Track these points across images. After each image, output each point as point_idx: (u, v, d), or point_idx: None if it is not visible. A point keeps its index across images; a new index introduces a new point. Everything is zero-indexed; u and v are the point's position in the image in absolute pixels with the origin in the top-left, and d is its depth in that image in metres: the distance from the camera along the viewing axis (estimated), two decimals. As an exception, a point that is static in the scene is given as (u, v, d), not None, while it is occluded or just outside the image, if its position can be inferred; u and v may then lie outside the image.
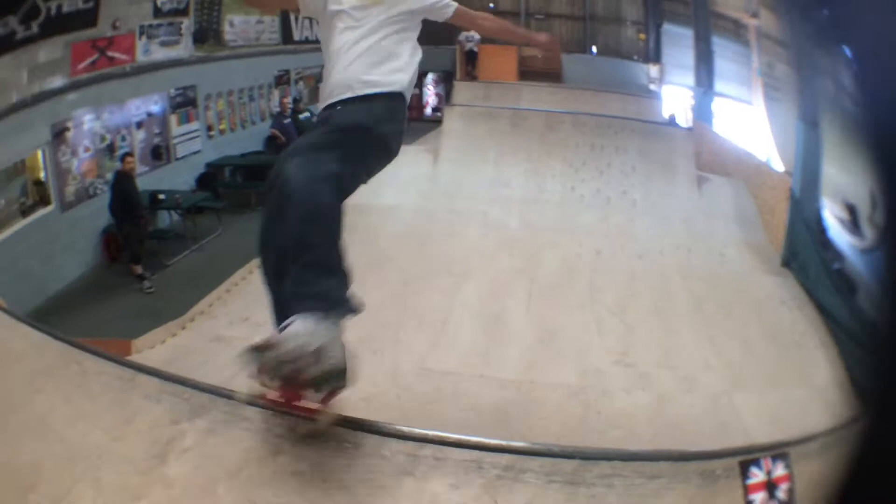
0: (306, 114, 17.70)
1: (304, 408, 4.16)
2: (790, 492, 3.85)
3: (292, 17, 20.23)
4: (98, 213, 12.89)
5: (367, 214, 12.40)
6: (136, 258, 12.58)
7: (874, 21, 2.15)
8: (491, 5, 25.99)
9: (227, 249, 13.31)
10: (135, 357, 7.88)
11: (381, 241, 11.57)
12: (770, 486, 3.86)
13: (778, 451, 4.00)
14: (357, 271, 9.52)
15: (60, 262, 12.37)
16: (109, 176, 13.15)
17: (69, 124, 12.83)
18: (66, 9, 12.44)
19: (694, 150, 14.44)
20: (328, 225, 3.81)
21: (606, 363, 8.20)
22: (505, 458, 4.07)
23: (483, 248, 11.01)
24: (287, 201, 3.70)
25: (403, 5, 4.21)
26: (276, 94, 19.34)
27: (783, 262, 11.28)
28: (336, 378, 3.93)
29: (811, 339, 9.08)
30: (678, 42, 20.64)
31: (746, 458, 3.93)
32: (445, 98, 23.56)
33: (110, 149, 13.76)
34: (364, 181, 4.25)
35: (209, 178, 16.59)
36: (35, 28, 11.78)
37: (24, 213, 11.89)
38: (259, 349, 3.66)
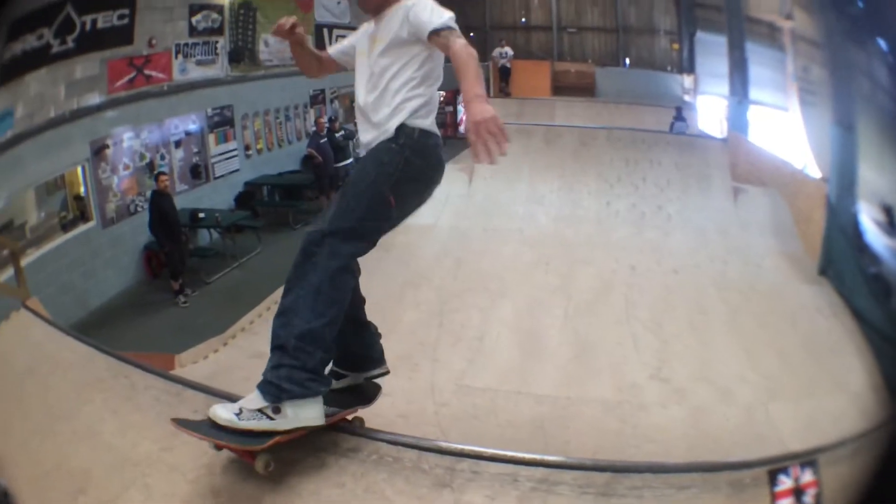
0: (342, 132, 17.76)
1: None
2: (817, 496, 3.92)
3: (325, 37, 20.41)
4: (139, 230, 13.05)
5: (403, 234, 12.38)
6: (175, 274, 12.73)
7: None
8: (523, 20, 26.08)
9: (266, 267, 13.46)
10: (178, 372, 8.14)
11: (418, 260, 11.68)
12: (797, 493, 3.92)
13: (807, 458, 4.07)
14: (394, 290, 9.71)
15: (102, 277, 12.57)
16: (149, 194, 13.23)
17: (108, 142, 13.00)
18: (101, 24, 12.58)
19: (729, 161, 14.38)
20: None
21: (642, 378, 8.23)
22: (539, 472, 4.19)
23: (518, 265, 11.06)
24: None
25: (386, 39, 4.55)
26: (311, 113, 19.48)
27: (820, 271, 11.09)
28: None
29: (847, 346, 8.92)
30: (712, 50, 20.50)
31: (775, 467, 4.00)
32: (479, 115, 23.55)
33: (150, 167, 13.91)
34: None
35: (247, 197, 16.72)
36: (70, 43, 11.91)
37: (65, 227, 12.10)
38: None
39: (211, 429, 4.11)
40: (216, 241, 14.77)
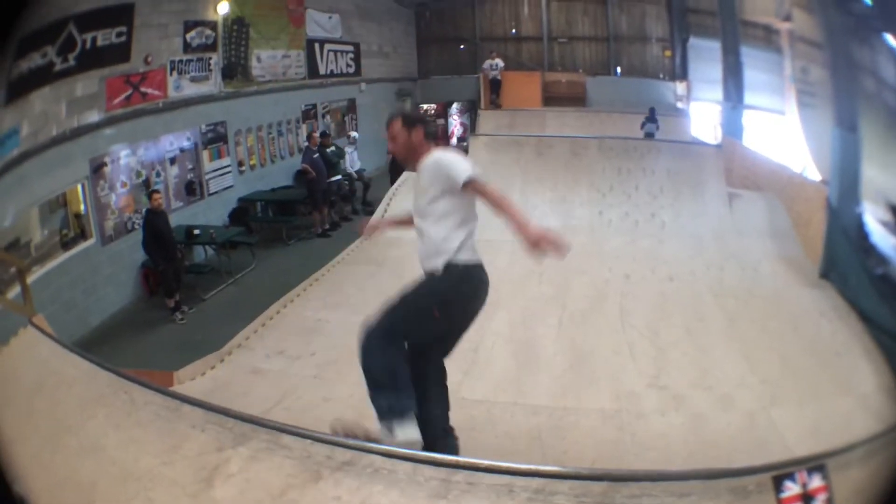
0: (333, 148, 17.81)
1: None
2: (828, 502, 3.87)
3: (317, 51, 20.48)
4: (136, 247, 13.08)
5: (396, 247, 12.48)
6: (170, 292, 12.74)
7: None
8: (513, 31, 26.18)
9: (260, 283, 13.61)
10: (177, 388, 8.06)
11: (412, 273, 11.49)
12: (806, 499, 3.86)
13: (814, 463, 4.02)
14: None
15: (102, 294, 12.69)
16: (143, 213, 13.27)
17: (106, 159, 13.09)
18: (100, 42, 12.68)
19: (723, 167, 14.36)
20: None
21: (640, 386, 8.11)
22: (535, 482, 4.15)
23: (512, 276, 10.95)
24: None
25: (425, 194, 5.42)
26: (304, 128, 19.53)
27: (821, 274, 11.07)
28: None
29: (854, 349, 8.87)
30: (705, 56, 20.55)
31: (780, 473, 3.94)
32: (470, 127, 23.74)
33: (146, 184, 13.99)
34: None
35: (241, 213, 16.81)
36: (72, 61, 12.01)
37: (66, 245, 12.15)
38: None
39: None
40: (211, 258, 14.87)
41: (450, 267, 5.42)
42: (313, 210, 16.89)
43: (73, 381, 5.98)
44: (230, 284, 14.04)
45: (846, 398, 7.83)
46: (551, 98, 24.30)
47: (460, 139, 24.22)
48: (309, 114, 20.26)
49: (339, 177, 17.79)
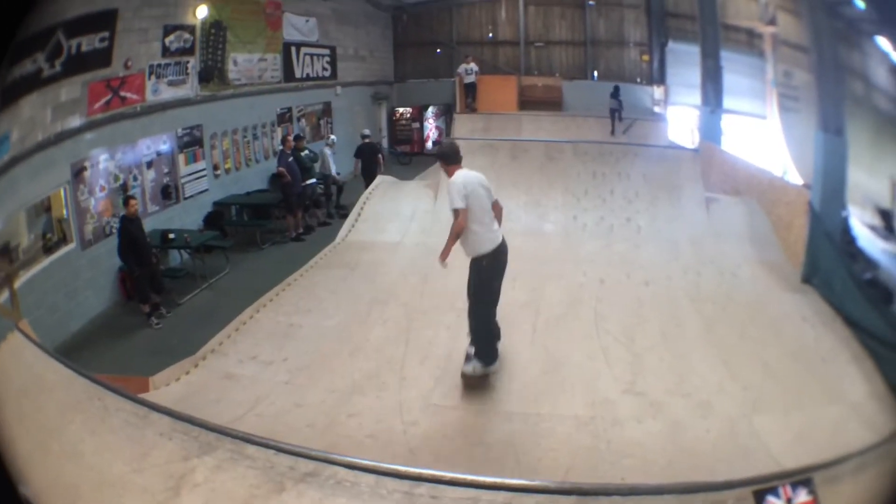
0: (307, 151, 17.64)
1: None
2: (817, 515, 3.76)
3: (294, 55, 20.35)
4: (114, 251, 12.87)
5: (370, 251, 12.49)
6: (144, 298, 12.59)
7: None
8: (490, 35, 26.08)
9: (234, 287, 13.47)
10: (152, 393, 8.22)
11: (384, 277, 11.69)
12: (791, 512, 3.76)
13: (800, 476, 3.92)
14: (361, 308, 9.68)
15: (82, 298, 12.55)
16: (118, 219, 13.05)
17: (86, 164, 12.99)
18: (84, 48, 12.59)
19: (701, 172, 14.30)
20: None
21: (615, 393, 8.02)
22: (501, 496, 4.06)
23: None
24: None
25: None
26: (279, 131, 19.39)
27: (803, 279, 10.99)
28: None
29: (841, 355, 8.81)
30: (684, 61, 20.49)
31: (761, 487, 3.84)
32: (446, 131, 23.66)
33: (123, 188, 13.81)
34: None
35: (216, 217, 16.61)
36: (58, 67, 11.94)
37: (48, 249, 12.02)
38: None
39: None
40: (186, 262, 14.65)
41: (475, 258, 8.63)
42: (288, 214, 16.72)
43: (53, 386, 6.12)
44: (205, 289, 13.87)
45: (835, 406, 7.76)
46: (527, 102, 24.13)
47: (435, 143, 24.10)
48: (284, 117, 20.07)
49: (313, 180, 17.61)
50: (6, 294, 8.85)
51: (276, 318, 10.55)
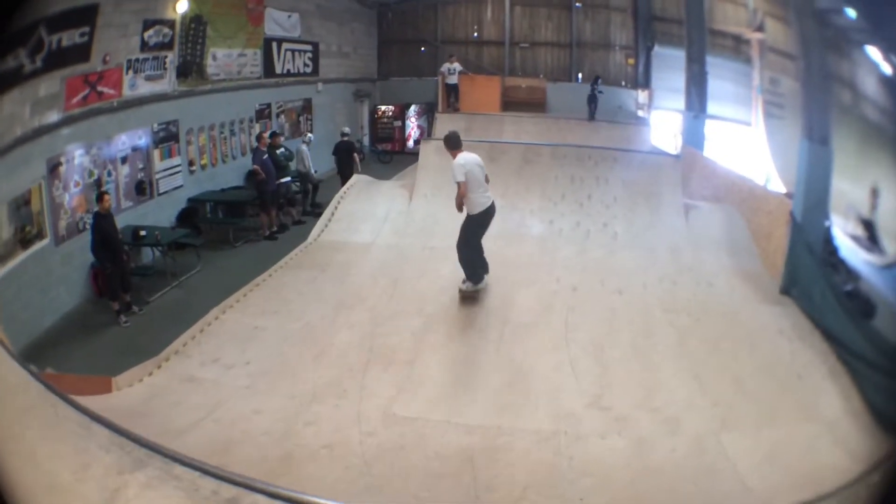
0: (283, 149, 17.42)
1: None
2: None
3: (275, 50, 20.14)
4: (87, 248, 12.79)
5: (341, 251, 12.31)
6: (114, 295, 12.51)
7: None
8: (475, 35, 25.94)
9: (205, 286, 13.35)
10: (115, 394, 8.20)
11: (354, 279, 11.51)
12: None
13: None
14: (327, 311, 9.50)
15: (55, 294, 12.48)
16: (91, 216, 12.98)
17: (62, 159, 12.88)
18: (64, 43, 12.49)
19: (681, 178, 14.09)
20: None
21: (580, 406, 7.80)
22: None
23: (456, 286, 10.74)
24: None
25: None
26: (257, 127, 19.18)
27: (782, 290, 10.77)
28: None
29: (817, 370, 8.57)
30: (670, 65, 20.37)
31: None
32: (428, 130, 23.55)
33: (97, 184, 13.68)
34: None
35: (190, 214, 16.43)
36: (39, 62, 11.84)
37: (27, 242, 11.93)
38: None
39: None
40: (158, 259, 14.44)
41: (470, 214, 10.86)
42: (262, 212, 16.52)
43: (14, 388, 5.91)
44: (175, 287, 13.72)
45: (809, 424, 7.56)
46: (510, 103, 24.02)
47: (417, 142, 23.96)
48: (263, 113, 19.90)
49: (288, 178, 17.42)
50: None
51: (242, 319, 10.34)
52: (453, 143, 11.16)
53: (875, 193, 8.55)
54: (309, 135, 19.55)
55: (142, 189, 15.16)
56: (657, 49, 22.31)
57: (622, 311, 10.26)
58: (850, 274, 9.48)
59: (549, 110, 24.09)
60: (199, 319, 10.25)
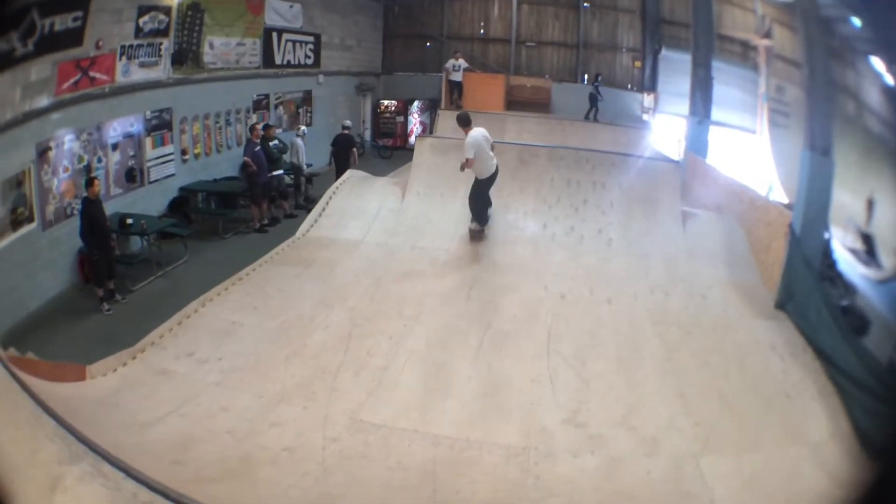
0: (276, 141, 17.22)
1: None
2: None
3: (275, 40, 19.94)
4: (74, 233, 12.69)
5: (328, 248, 12.09)
6: (100, 282, 12.42)
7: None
8: (481, 31, 25.75)
9: (190, 277, 13.26)
10: (88, 383, 8.08)
11: (337, 278, 11.27)
12: None
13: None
14: (306, 309, 9.22)
15: (41, 279, 12.47)
16: (80, 201, 12.82)
17: (51, 144, 12.81)
18: (57, 27, 12.44)
19: (681, 185, 13.76)
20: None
21: (555, 421, 7.46)
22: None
23: (441, 288, 10.47)
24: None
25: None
26: (254, 118, 18.99)
27: (777, 304, 10.42)
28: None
29: (807, 390, 8.22)
30: (676, 69, 20.18)
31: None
32: (430, 127, 23.41)
33: (87, 170, 13.59)
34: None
35: (181, 203, 16.29)
36: (31, 46, 11.81)
37: (17, 224, 11.95)
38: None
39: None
40: (145, 248, 14.24)
41: (476, 178, 12.38)
42: (252, 204, 16.31)
43: None
44: (159, 277, 13.62)
45: (793, 447, 7.23)
46: (514, 102, 23.84)
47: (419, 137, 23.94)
48: (261, 104, 19.72)
49: (281, 171, 17.20)
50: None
51: (221, 314, 10.12)
52: (465, 122, 12.48)
53: (871, 204, 8.27)
54: (303, 128, 19.34)
55: (132, 176, 15.07)
56: (664, 52, 22.10)
57: (609, 321, 9.91)
58: (847, 288, 9.20)
59: (553, 111, 23.89)
60: (177, 311, 10.06)
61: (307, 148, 18.42)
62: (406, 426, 7.38)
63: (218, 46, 17.74)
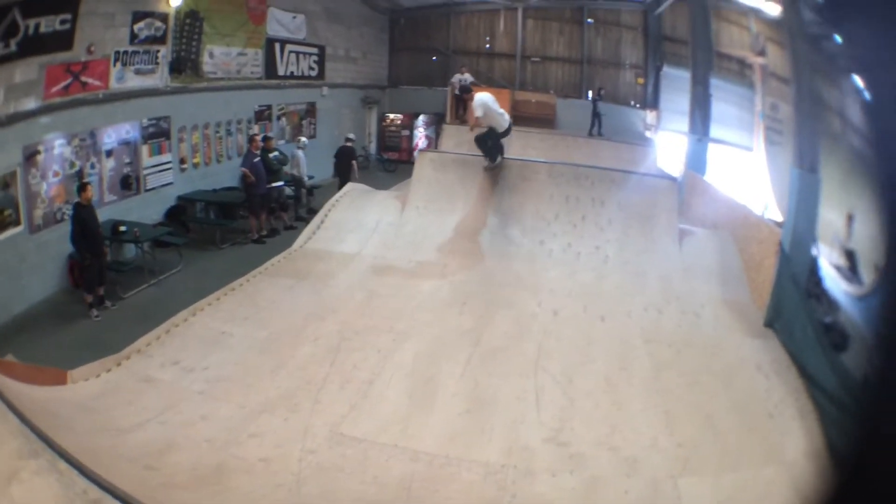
0: (276, 153, 17.21)
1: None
2: None
3: (277, 52, 19.92)
4: (64, 238, 12.78)
5: (324, 260, 12.04)
6: (90, 287, 12.45)
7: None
8: (487, 46, 25.77)
9: (183, 286, 13.24)
10: (68, 387, 8.00)
11: (330, 290, 11.21)
12: None
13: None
14: (297, 322, 9.11)
15: (26, 283, 12.48)
16: (71, 206, 12.83)
17: (40, 148, 12.78)
18: (43, 29, 12.40)
19: (679, 202, 13.69)
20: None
21: (536, 440, 7.33)
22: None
23: (433, 303, 10.39)
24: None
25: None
26: (255, 128, 18.95)
27: (766, 323, 10.27)
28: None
29: (788, 409, 8.03)
30: (677, 86, 20.15)
31: None
32: (435, 141, 23.43)
33: (79, 175, 13.60)
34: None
35: (179, 212, 16.28)
36: (13, 46, 11.79)
37: (5, 226, 12.04)
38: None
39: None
40: (139, 255, 14.22)
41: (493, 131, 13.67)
42: (250, 214, 16.30)
43: None
44: (152, 285, 13.67)
45: (770, 467, 7.08)
46: (519, 117, 23.69)
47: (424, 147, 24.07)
48: (263, 114, 19.71)
49: (280, 183, 17.17)
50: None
51: (211, 323, 10.05)
52: (466, 90, 15.77)
53: (850, 219, 8.18)
54: (303, 139, 19.35)
55: (127, 184, 15.12)
56: (666, 69, 22.06)
57: (601, 339, 9.78)
58: (832, 305, 9.09)
59: (558, 126, 23.87)
60: (169, 319, 10.01)
61: (309, 160, 18.43)
62: (386, 441, 7.28)
63: (218, 56, 17.75)
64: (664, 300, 11.07)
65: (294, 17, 20.64)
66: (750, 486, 6.72)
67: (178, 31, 16.30)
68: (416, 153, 24.03)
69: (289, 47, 20.64)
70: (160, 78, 15.95)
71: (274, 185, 16.91)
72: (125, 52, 14.78)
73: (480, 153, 13.97)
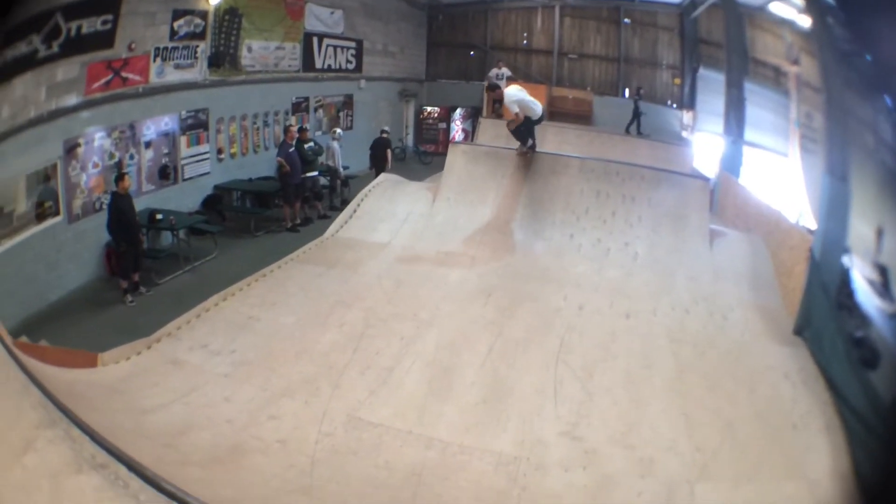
0: (311, 143, 17.33)
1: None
2: None
3: (315, 46, 20.03)
4: (102, 227, 12.89)
5: (354, 250, 12.15)
6: (125, 274, 12.63)
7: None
8: (524, 42, 25.70)
9: (217, 273, 13.35)
10: (98, 369, 8.24)
11: (358, 279, 11.33)
12: None
13: None
14: (323, 308, 9.27)
15: (64, 271, 12.59)
16: (109, 195, 13.11)
17: (80, 141, 12.94)
18: (85, 30, 12.60)
19: (711, 203, 13.60)
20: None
21: (551, 433, 7.32)
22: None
23: (459, 294, 10.44)
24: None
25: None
26: (292, 120, 19.09)
27: (795, 330, 10.05)
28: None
29: (814, 422, 7.86)
30: (713, 88, 19.99)
31: None
32: (472, 134, 23.43)
33: (118, 166, 13.75)
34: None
35: (215, 201, 16.42)
36: (56, 48, 11.96)
37: (40, 218, 12.07)
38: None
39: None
40: (175, 243, 14.42)
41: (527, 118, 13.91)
42: (284, 203, 16.45)
43: None
44: (187, 271, 13.82)
45: (791, 482, 6.98)
46: (556, 113, 23.59)
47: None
48: (300, 106, 19.81)
49: (315, 173, 17.29)
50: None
51: (240, 308, 10.27)
52: (493, 87, 17.48)
53: (880, 233, 8.04)
54: (338, 130, 19.40)
55: (165, 174, 15.26)
56: (702, 71, 21.89)
57: (624, 336, 9.74)
58: (864, 319, 8.93)
59: (594, 123, 23.78)
60: (200, 304, 10.26)
61: (345, 151, 18.55)
62: (401, 427, 7.39)
63: (256, 50, 17.86)
64: (692, 300, 10.97)
65: (332, 13, 20.70)
66: (769, 500, 6.67)
67: (217, 27, 16.45)
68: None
69: (326, 41, 20.67)
70: (199, 72, 16.09)
71: (309, 174, 17.01)
72: (165, 49, 14.93)
73: (514, 146, 14.10)
